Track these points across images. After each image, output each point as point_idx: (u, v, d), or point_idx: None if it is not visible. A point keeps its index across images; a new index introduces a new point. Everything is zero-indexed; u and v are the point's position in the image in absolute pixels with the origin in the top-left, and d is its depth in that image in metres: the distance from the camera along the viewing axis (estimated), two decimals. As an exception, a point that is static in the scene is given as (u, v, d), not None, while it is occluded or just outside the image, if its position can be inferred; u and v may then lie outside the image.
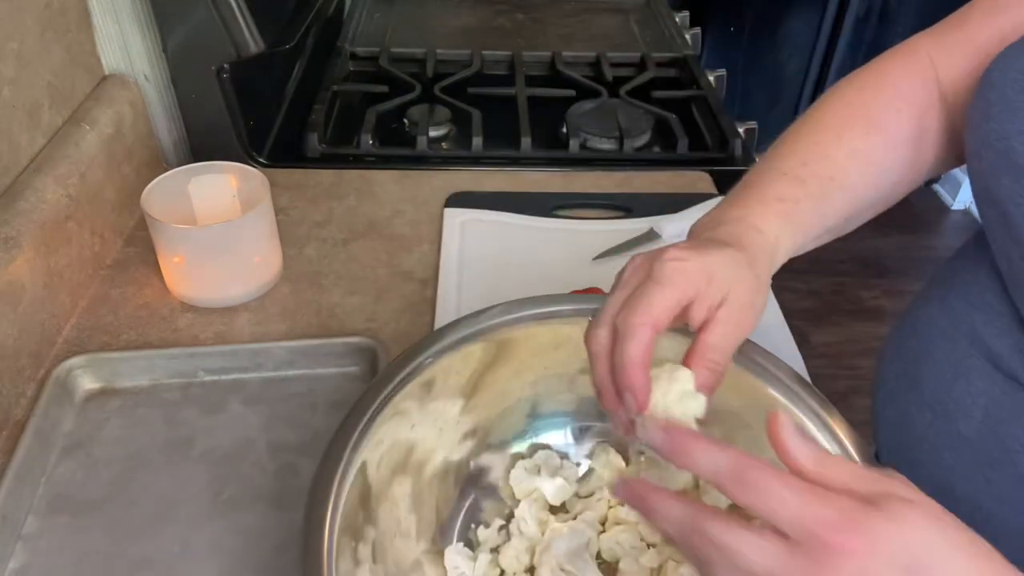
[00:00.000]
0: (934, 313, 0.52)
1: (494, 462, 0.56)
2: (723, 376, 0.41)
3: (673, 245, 0.42)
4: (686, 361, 0.41)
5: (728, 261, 0.42)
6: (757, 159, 0.53)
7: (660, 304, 0.40)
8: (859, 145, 0.50)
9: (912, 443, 0.52)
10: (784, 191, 0.48)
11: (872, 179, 0.51)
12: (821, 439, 0.48)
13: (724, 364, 0.41)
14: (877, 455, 0.58)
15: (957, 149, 0.53)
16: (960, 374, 0.48)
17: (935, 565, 0.30)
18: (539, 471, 0.56)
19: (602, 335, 0.42)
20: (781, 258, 0.47)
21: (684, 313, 0.41)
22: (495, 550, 0.53)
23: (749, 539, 0.31)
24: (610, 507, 0.55)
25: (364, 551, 0.45)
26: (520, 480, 0.55)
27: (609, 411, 0.43)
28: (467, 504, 0.55)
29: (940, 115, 0.52)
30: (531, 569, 0.52)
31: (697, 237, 0.46)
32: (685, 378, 0.40)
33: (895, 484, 0.32)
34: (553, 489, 0.55)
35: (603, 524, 0.55)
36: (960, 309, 0.50)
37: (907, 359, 0.54)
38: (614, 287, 0.43)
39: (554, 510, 0.55)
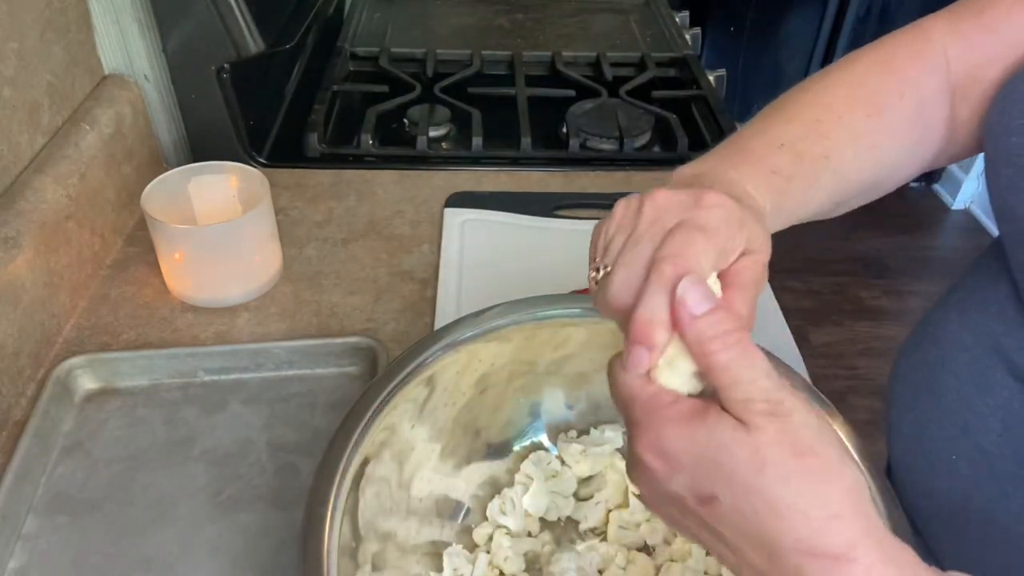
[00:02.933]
0: (953, 324, 0.51)
1: (495, 462, 0.56)
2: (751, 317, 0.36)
3: (703, 190, 0.36)
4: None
5: (754, 216, 0.38)
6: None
7: (708, 257, 0.34)
8: (859, 127, 0.48)
9: (928, 454, 0.51)
10: (779, 164, 0.44)
11: (868, 164, 0.48)
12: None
13: (747, 313, 0.36)
14: (889, 466, 0.57)
15: (961, 141, 0.51)
16: (980, 387, 0.47)
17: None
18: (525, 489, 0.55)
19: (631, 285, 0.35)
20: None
21: None
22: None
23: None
24: (609, 511, 0.55)
25: (364, 553, 0.45)
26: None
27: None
28: (468, 505, 0.55)
29: (944, 105, 0.50)
30: (528, 571, 0.52)
31: (690, 186, 0.39)
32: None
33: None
34: (534, 504, 0.54)
35: (603, 531, 0.55)
36: (980, 321, 0.48)
37: (924, 369, 0.53)
38: (616, 228, 0.38)
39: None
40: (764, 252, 0.38)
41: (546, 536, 0.55)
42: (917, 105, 0.49)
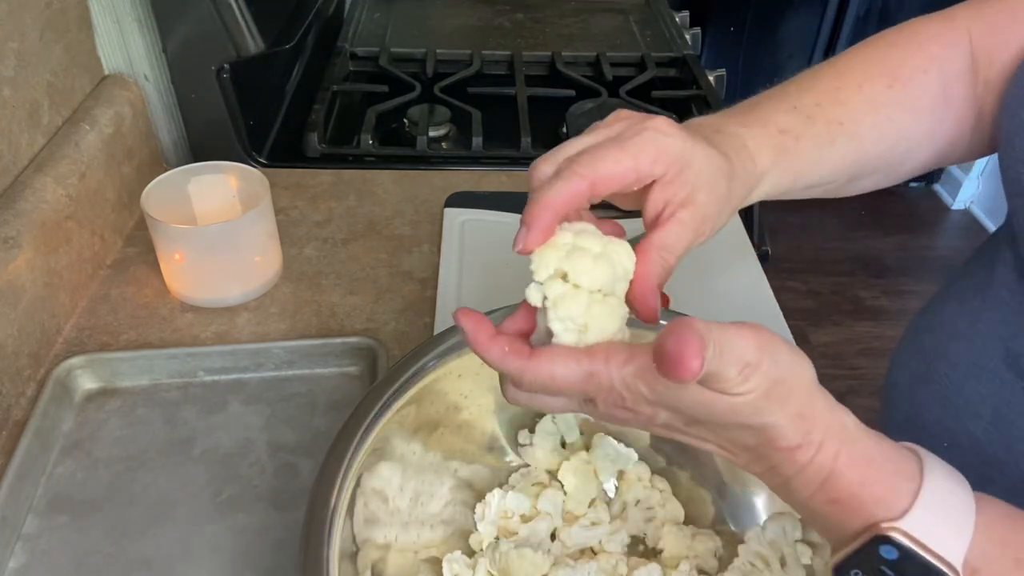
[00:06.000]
0: (951, 311, 0.52)
1: (495, 466, 0.56)
2: (668, 275, 0.38)
3: (666, 118, 0.39)
4: (638, 252, 0.38)
5: (712, 161, 0.39)
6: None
7: (612, 164, 0.36)
8: (879, 98, 0.48)
9: (917, 440, 0.52)
10: (789, 123, 0.45)
11: (886, 135, 0.49)
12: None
13: (672, 265, 0.38)
14: None
15: (985, 127, 0.51)
16: (972, 373, 0.48)
17: None
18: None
19: (545, 171, 0.37)
20: (760, 194, 0.44)
21: (641, 193, 0.38)
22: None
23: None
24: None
25: (364, 558, 0.45)
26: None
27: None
28: (467, 509, 0.55)
29: (969, 86, 0.50)
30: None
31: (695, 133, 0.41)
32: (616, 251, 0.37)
33: None
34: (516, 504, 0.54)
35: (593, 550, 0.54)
36: (977, 308, 0.49)
37: (920, 357, 0.53)
38: (586, 131, 0.40)
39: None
40: (707, 205, 0.38)
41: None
42: (941, 81, 0.49)
